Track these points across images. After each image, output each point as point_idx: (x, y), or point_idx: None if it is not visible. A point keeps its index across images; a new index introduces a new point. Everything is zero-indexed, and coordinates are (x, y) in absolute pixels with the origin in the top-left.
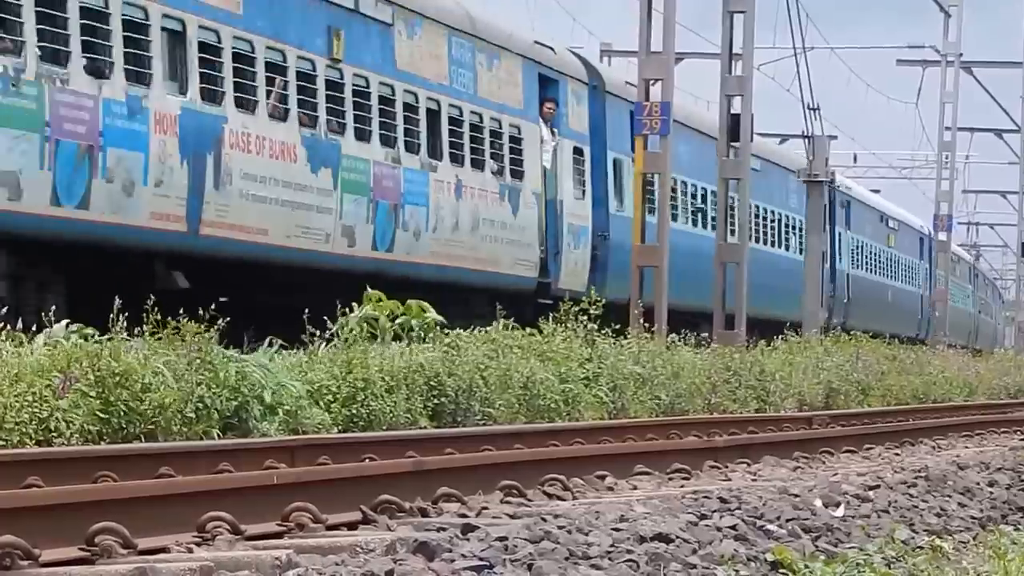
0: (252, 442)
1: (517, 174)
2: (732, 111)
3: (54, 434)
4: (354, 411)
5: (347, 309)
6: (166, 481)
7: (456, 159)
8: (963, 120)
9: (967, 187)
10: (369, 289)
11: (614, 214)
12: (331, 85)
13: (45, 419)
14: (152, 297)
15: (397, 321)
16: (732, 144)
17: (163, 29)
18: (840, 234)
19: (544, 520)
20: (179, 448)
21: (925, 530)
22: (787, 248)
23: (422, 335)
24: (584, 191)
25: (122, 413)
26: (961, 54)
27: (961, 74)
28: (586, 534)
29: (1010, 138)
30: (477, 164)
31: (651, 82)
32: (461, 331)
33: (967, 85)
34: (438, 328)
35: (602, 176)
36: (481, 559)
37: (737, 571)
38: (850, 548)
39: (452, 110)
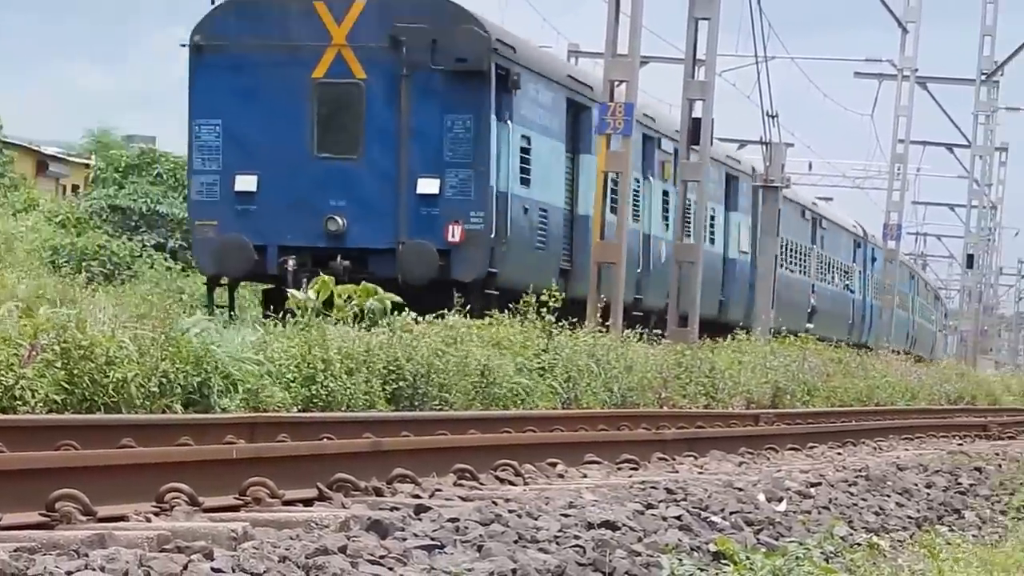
0: (213, 417)
1: None
2: (694, 115)
3: (19, 402)
4: (314, 391)
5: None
6: (127, 451)
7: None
8: (916, 134)
9: (917, 199)
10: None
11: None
12: None
13: (10, 387)
14: None
15: (353, 303)
16: (693, 147)
17: None
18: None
19: (495, 504)
20: (141, 420)
21: (863, 527)
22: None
23: (380, 318)
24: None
25: (86, 385)
26: (916, 69)
27: (916, 88)
28: (535, 519)
29: (960, 153)
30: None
31: (616, 83)
32: (417, 316)
33: (921, 99)
34: (395, 312)
35: None
36: (433, 539)
37: (680, 560)
38: (790, 542)
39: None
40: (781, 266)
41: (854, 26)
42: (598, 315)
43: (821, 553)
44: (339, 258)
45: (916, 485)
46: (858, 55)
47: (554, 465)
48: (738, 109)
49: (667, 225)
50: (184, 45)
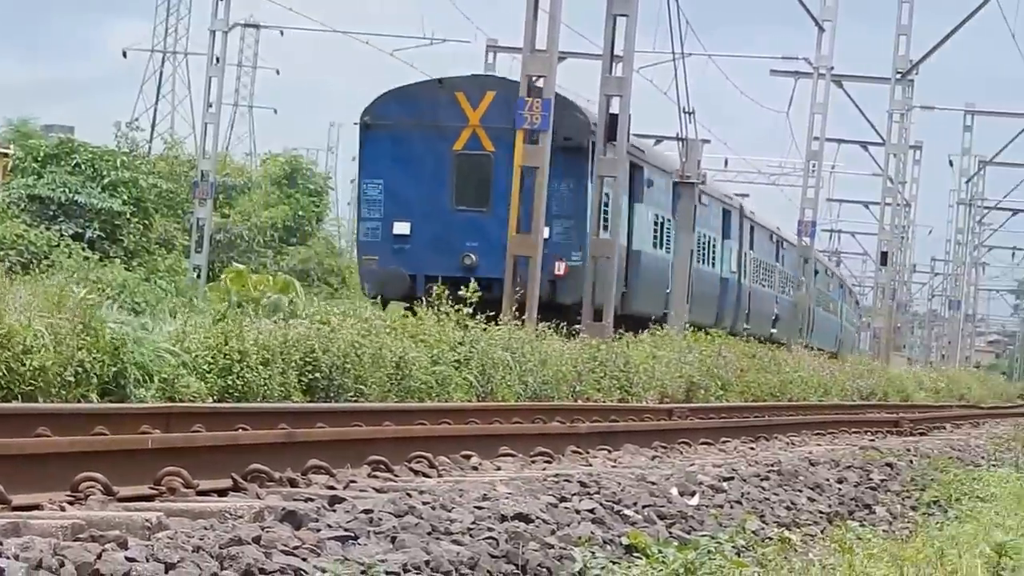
0: (128, 407)
1: None
2: (611, 111)
3: None
4: (229, 382)
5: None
6: (42, 440)
7: None
8: (831, 131)
9: (832, 196)
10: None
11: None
12: None
13: None
14: None
15: (269, 296)
16: (610, 143)
17: None
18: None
19: (409, 495)
20: (56, 410)
21: (775, 522)
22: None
23: (295, 311)
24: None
25: (2, 373)
26: (832, 67)
27: (831, 86)
28: (449, 511)
29: (875, 150)
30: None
31: (534, 78)
32: (335, 309)
33: (837, 97)
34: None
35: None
36: (346, 530)
37: (593, 553)
38: (702, 536)
39: None
40: (755, 281)
41: (772, 24)
42: (513, 309)
43: (733, 547)
44: (471, 285)
45: (828, 480)
46: (776, 53)
47: (468, 457)
48: (656, 106)
49: (655, 243)
50: (356, 124)
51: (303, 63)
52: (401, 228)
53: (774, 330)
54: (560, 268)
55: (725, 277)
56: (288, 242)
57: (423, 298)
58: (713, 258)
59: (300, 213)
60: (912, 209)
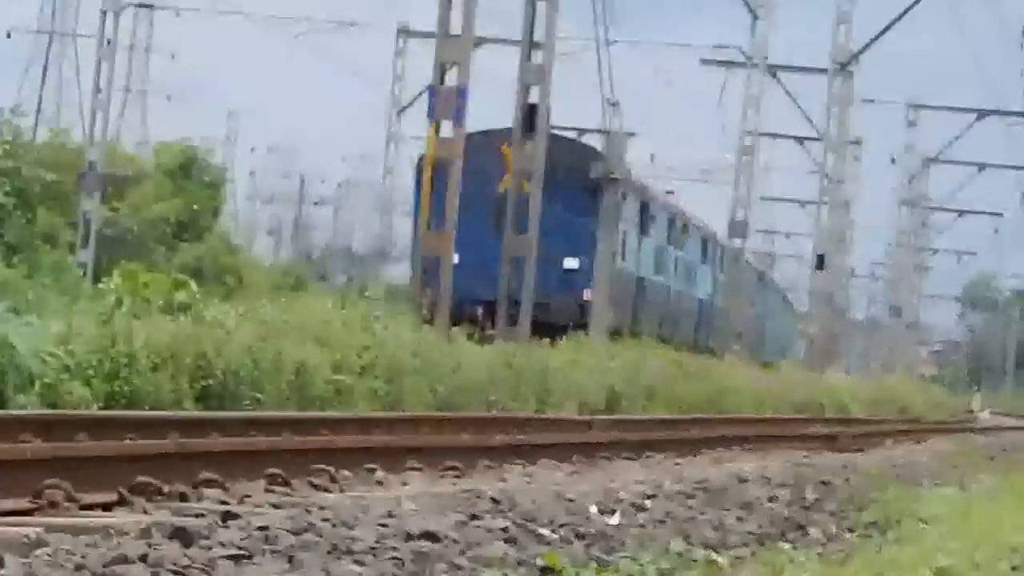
0: (6, 414)
1: None
2: (529, 100)
3: None
4: (116, 388)
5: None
6: None
7: None
8: (766, 126)
9: (766, 195)
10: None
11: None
12: None
13: None
14: None
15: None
16: (528, 134)
17: None
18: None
19: (308, 512)
20: None
21: (702, 543)
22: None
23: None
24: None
25: None
26: (767, 57)
27: (766, 78)
28: (351, 528)
29: (812, 146)
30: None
31: (448, 65)
32: (230, 308)
33: (771, 90)
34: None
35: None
36: (240, 548)
37: (506, 574)
38: (623, 557)
39: None
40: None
41: (706, 11)
42: (423, 310)
43: (656, 569)
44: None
45: (759, 499)
46: (710, 43)
47: (373, 471)
48: (579, 96)
49: (656, 270)
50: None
51: (200, 47)
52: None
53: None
54: (587, 294)
55: (702, 298)
56: (181, 238)
57: (472, 318)
58: (694, 282)
59: (195, 207)
60: (851, 208)
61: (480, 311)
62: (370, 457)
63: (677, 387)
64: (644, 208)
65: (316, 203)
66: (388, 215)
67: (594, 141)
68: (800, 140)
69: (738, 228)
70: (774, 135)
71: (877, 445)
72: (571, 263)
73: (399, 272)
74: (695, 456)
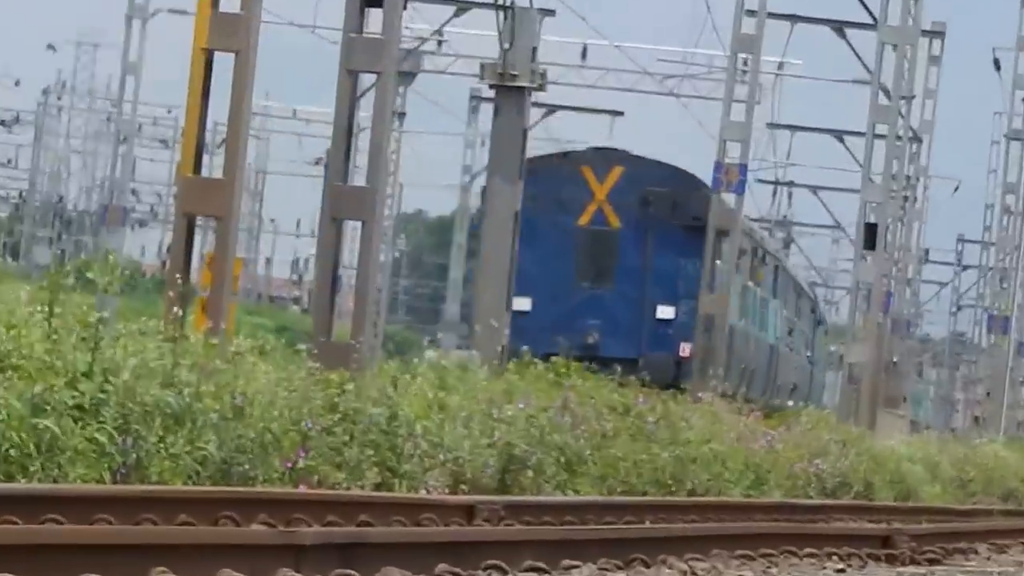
0: None
1: None
2: None
3: None
4: None
5: None
6: None
7: None
8: (781, 4)
9: (776, 119)
10: None
11: None
12: None
13: None
14: None
15: None
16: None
17: None
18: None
19: None
20: None
21: None
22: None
23: None
24: None
25: None
26: None
27: None
28: None
29: (860, 39)
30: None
31: None
32: None
33: None
34: None
35: None
36: None
37: None
38: None
39: None
40: (786, 347)
41: None
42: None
43: None
44: (591, 364)
45: None
46: None
47: None
48: None
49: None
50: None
51: None
52: (521, 304)
53: (790, 402)
54: (686, 350)
55: (772, 344)
56: None
57: None
58: (764, 323)
59: None
60: (925, 148)
61: None
62: (90, 563)
63: (615, 448)
64: (755, 254)
65: (2, 122)
66: (127, 143)
67: (488, 18)
68: (839, 27)
69: (728, 175)
70: (794, 17)
71: (962, 554)
72: (666, 312)
73: (143, 242)
74: (646, 568)
